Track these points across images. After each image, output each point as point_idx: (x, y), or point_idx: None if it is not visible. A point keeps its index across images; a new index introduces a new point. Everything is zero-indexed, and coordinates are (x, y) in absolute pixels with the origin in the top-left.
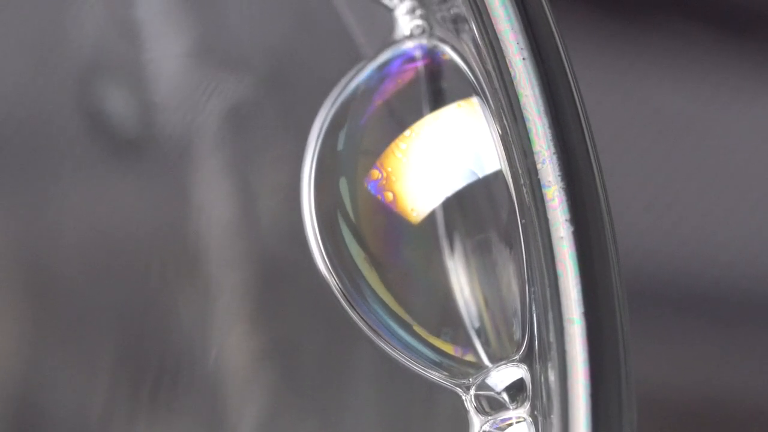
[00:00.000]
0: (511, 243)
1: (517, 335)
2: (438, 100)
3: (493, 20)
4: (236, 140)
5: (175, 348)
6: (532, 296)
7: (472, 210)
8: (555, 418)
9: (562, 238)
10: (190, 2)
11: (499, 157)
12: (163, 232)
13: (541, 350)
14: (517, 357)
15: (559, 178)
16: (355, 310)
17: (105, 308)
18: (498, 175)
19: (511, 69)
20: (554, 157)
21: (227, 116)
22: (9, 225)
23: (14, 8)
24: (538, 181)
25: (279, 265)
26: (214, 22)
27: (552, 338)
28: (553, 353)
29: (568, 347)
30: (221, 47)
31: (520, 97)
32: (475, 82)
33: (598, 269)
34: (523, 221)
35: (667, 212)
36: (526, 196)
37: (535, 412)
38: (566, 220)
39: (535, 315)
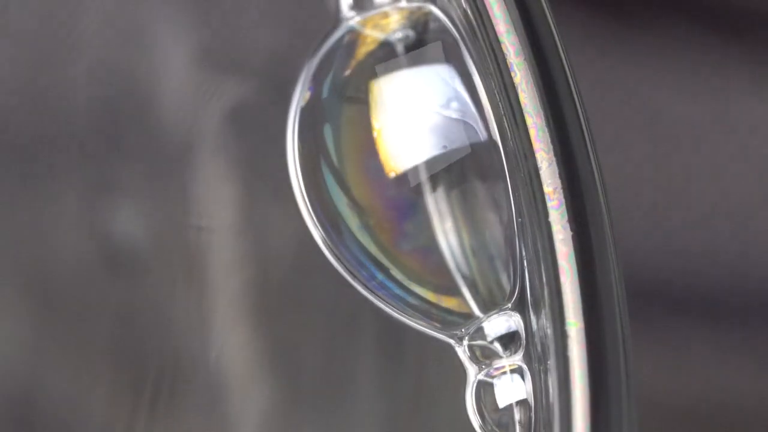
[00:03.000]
0: (498, 192)
1: (507, 284)
2: (420, 47)
3: (493, 22)
4: (238, 143)
5: (176, 350)
6: (522, 245)
7: (457, 157)
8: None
9: (562, 240)
10: (192, 5)
11: (484, 105)
12: (165, 233)
13: (534, 298)
14: (508, 306)
15: (559, 181)
16: (342, 263)
17: (105, 310)
18: (484, 122)
19: (511, 71)
20: (555, 160)
21: (228, 119)
22: (9, 225)
23: (14, 10)
24: (539, 183)
25: (280, 267)
26: (216, 25)
27: (545, 293)
28: (553, 355)
29: (569, 350)
30: (223, 50)
31: (520, 100)
32: (456, 32)
33: (598, 271)
34: (520, 220)
35: (667, 213)
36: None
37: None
38: (566, 222)
39: (525, 263)
